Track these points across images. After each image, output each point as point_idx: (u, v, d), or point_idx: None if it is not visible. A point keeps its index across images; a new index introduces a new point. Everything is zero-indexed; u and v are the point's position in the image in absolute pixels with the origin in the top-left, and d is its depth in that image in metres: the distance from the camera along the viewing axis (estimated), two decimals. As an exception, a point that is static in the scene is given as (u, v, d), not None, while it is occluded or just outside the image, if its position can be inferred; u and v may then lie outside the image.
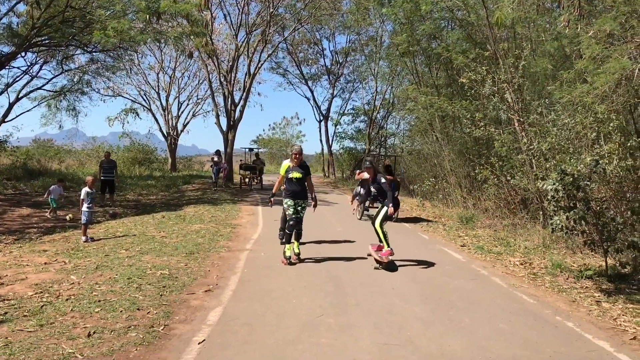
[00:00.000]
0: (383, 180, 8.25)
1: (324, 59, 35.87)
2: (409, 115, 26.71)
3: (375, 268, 8.11)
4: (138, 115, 33.92)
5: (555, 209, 8.67)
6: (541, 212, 11.76)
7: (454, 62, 16.09)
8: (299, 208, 8.49)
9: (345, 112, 36.70)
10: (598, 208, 8.12)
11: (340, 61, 35.12)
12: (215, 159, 24.65)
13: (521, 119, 12.95)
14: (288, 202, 8.43)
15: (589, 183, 8.24)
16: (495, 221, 13.58)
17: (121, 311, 5.62)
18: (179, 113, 36.70)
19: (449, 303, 6.37)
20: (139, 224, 12.24)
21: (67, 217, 12.53)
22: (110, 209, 15.16)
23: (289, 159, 8.74)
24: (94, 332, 4.95)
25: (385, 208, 8.16)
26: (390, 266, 8.10)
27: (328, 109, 36.03)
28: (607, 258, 8.04)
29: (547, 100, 12.51)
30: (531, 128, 12.55)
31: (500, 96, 13.27)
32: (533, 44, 14.48)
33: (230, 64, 26.30)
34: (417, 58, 21.58)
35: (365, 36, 31.72)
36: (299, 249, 8.59)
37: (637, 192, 9.27)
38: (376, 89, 29.31)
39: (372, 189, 8.62)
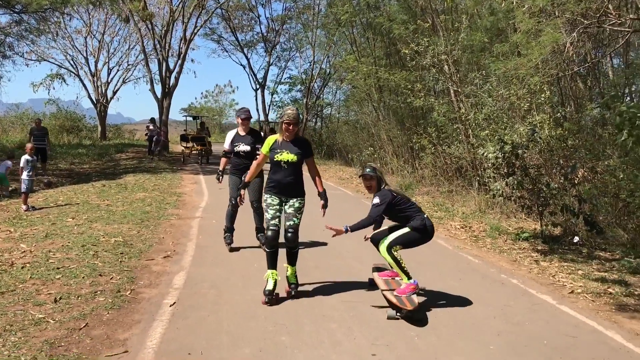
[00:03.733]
0: (375, 200, 5.09)
1: (259, 26, 35.41)
2: (346, 86, 27.02)
3: (391, 318, 4.76)
4: (65, 81, 32.57)
5: (495, 175, 9.22)
6: (476, 180, 12.37)
7: (393, 33, 16.38)
8: (291, 210, 5.23)
9: (282, 81, 36.58)
10: (534, 174, 8.68)
11: (277, 29, 34.79)
12: (151, 127, 24.11)
13: (458, 90, 13.47)
14: (268, 199, 5.26)
15: (526, 151, 8.81)
16: (432, 188, 14.14)
17: (83, 277, 5.59)
18: (109, 79, 35.35)
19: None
20: (79, 192, 11.93)
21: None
22: (44, 177, 14.62)
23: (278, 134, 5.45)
24: (60, 298, 4.93)
25: (405, 229, 5.11)
26: (417, 314, 4.76)
27: (265, 78, 35.73)
28: (542, 221, 8.64)
29: (483, 72, 13.04)
30: (468, 99, 13.12)
31: (440, 68, 13.75)
32: (470, 17, 14.96)
33: (165, 29, 25.53)
34: (356, 28, 21.79)
35: (301, 4, 31.50)
36: (295, 277, 5.40)
37: (567, 160, 9.95)
38: (313, 58, 29.29)
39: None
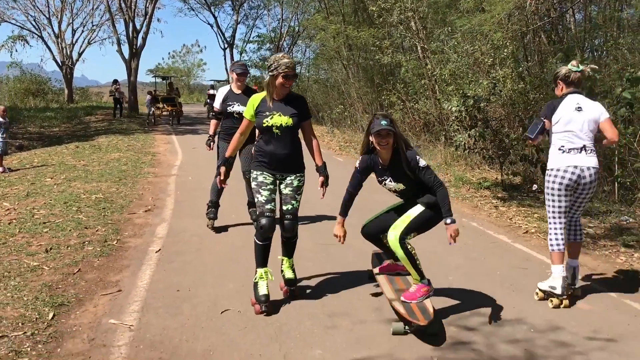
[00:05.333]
0: (423, 162, 3.75)
1: (226, -17, 34.93)
2: (316, 44, 27.09)
3: (397, 333, 3.62)
4: (27, 42, 31.80)
5: (459, 128, 9.67)
6: (443, 134, 12.82)
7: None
8: (289, 190, 4.13)
9: (251, 39, 36.36)
10: (495, 127, 9.15)
11: (243, -15, 34.38)
12: (121, 89, 24.00)
13: (425, 47, 13.80)
14: (259, 176, 4.11)
15: (488, 104, 9.27)
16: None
17: (70, 230, 5.89)
18: (73, 41, 34.63)
19: (372, 210, 7.14)
20: (53, 154, 12.06)
21: None
22: (15, 141, 14.62)
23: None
24: (51, 249, 5.24)
25: (419, 207, 3.84)
26: (431, 328, 3.59)
27: (233, 36, 35.54)
28: (502, 170, 9.16)
29: (449, 28, 13.36)
30: (434, 55, 13.47)
31: (407, 24, 14.01)
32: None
33: (130, -13, 25.11)
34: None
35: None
36: (293, 271, 4.34)
37: (527, 112, 10.44)
38: (282, 16, 29.21)
39: (391, 182, 3.91)
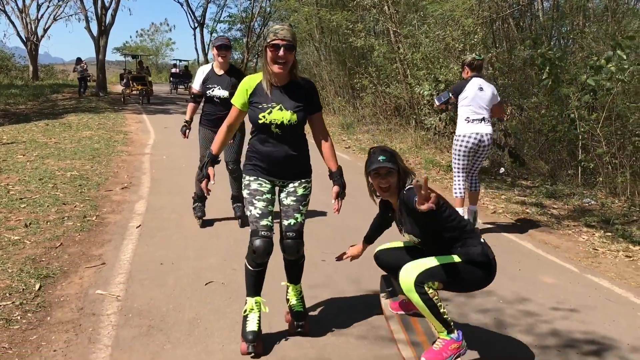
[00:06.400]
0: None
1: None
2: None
3: None
4: (-10, 17, 30.84)
5: (430, 111, 9.92)
6: (413, 118, 13.06)
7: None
8: (291, 200, 3.20)
9: (221, 19, 36.03)
10: (465, 111, 9.39)
11: (215, -35, 33.96)
12: (85, 67, 23.63)
13: (397, 31, 13.96)
14: (252, 182, 3.19)
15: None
16: (372, 127, 14.78)
17: (48, 206, 5.91)
18: (39, 16, 33.71)
19: (348, 193, 7.32)
20: (22, 131, 11.88)
21: None
22: (-18, 117, 14.34)
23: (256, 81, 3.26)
24: (31, 224, 5.26)
25: (451, 257, 2.87)
26: None
27: (203, 16, 35.31)
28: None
29: (421, 13, 13.55)
30: (406, 39, 13.65)
31: (380, 8, 14.15)
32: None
33: (99, -37, 24.56)
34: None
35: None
36: (301, 302, 3.40)
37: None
38: (253, -4, 29.03)
39: (405, 233, 3.11)
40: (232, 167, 5.51)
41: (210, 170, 3.22)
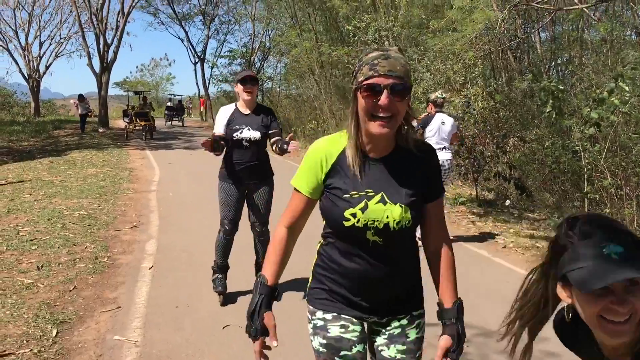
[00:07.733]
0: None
1: (197, -2, 35.05)
2: (286, 59, 27.31)
3: None
4: (-7, 55, 31.25)
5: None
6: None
7: (334, 10, 16.85)
8: (394, 353, 1.88)
9: (222, 54, 36.47)
10: (469, 144, 9.48)
11: (214, 1, 34.49)
12: (86, 105, 23.88)
13: (398, 65, 14.11)
14: (332, 326, 1.85)
15: (462, 122, 9.59)
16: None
17: (58, 247, 5.91)
18: (41, 53, 34.16)
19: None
20: (27, 169, 11.93)
21: None
22: (-14, 156, 14.41)
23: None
24: (43, 266, 5.26)
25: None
26: None
27: (204, 51, 35.61)
28: (477, 186, 9.47)
29: (421, 47, 13.73)
30: (407, 73, 13.79)
31: (381, 43, 14.34)
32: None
33: (101, 1, 24.96)
34: (297, 3, 22.07)
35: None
36: None
37: (499, 130, 10.82)
38: (253, 32, 29.43)
39: None
40: (260, 229, 4.54)
41: (267, 318, 1.81)
